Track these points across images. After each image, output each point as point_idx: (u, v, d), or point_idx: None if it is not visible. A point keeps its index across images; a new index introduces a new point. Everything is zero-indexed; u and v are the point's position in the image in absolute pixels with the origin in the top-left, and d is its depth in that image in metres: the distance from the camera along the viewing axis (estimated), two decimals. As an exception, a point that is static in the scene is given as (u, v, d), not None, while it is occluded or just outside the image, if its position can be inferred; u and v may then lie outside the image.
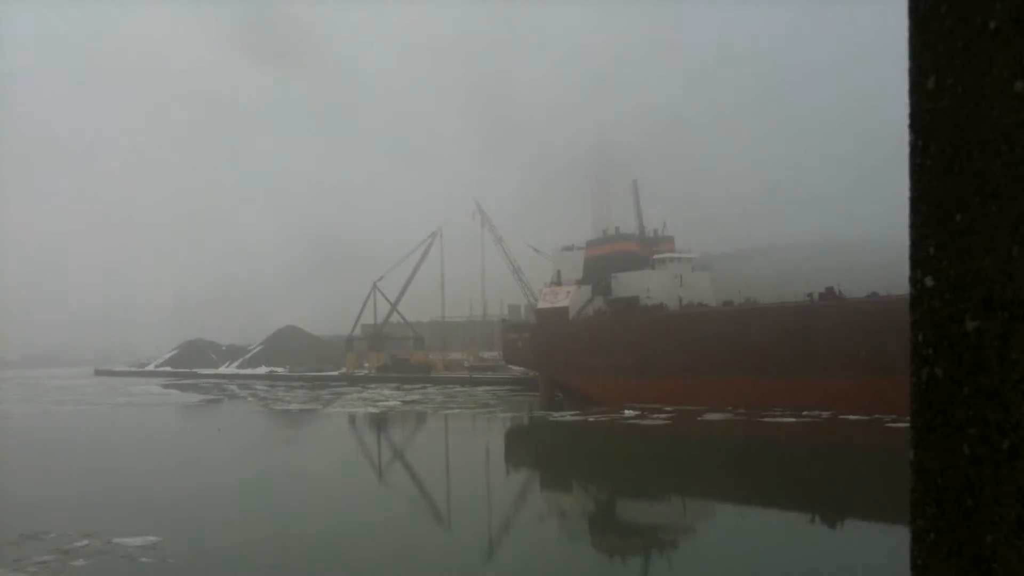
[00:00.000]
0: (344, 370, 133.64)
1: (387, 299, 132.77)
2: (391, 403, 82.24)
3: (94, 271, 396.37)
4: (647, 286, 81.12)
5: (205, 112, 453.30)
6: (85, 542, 24.83)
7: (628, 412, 62.73)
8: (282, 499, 33.31)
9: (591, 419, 61.28)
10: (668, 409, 63.66)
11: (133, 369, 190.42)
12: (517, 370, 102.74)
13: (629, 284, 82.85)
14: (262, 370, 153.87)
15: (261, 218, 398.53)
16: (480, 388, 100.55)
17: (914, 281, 1.40)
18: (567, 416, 64.12)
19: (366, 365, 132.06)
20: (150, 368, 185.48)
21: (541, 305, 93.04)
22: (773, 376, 60.97)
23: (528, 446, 54.94)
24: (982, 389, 1.27)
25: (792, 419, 56.43)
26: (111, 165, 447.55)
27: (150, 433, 62.69)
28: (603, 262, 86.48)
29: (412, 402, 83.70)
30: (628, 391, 70.57)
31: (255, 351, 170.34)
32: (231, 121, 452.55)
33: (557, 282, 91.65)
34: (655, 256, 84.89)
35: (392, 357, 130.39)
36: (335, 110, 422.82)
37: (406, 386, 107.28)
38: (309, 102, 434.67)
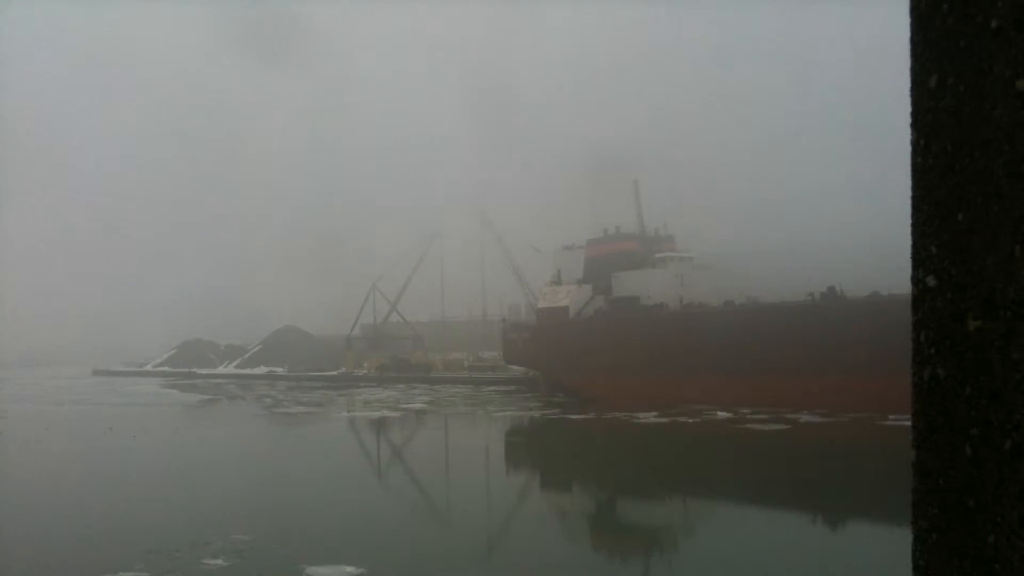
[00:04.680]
0: (343, 370, 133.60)
1: (386, 299, 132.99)
2: (416, 405, 78.94)
3: (92, 271, 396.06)
4: (648, 285, 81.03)
5: (204, 110, 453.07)
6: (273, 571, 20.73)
7: (721, 414, 58.32)
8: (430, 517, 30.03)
9: (687, 420, 55.63)
10: (744, 409, 59.59)
11: (131, 369, 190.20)
12: (517, 370, 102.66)
13: (630, 283, 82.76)
14: (261, 370, 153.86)
15: (260, 217, 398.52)
16: (486, 388, 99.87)
17: (916, 281, 1.40)
18: (651, 418, 57.79)
19: (365, 365, 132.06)
20: (148, 368, 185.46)
21: (541, 305, 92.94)
22: (775, 375, 60.98)
23: (702, 458, 43.62)
24: (984, 389, 1.27)
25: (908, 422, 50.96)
26: (110, 164, 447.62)
27: (187, 436, 57.70)
28: (604, 261, 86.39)
29: (436, 402, 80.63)
30: (629, 391, 70.52)
31: (254, 351, 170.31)
32: (230, 120, 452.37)
33: (557, 282, 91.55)
34: (656, 255, 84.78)
35: (392, 357, 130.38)
36: (334, 109, 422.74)
37: (413, 386, 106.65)
38: (308, 101, 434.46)
